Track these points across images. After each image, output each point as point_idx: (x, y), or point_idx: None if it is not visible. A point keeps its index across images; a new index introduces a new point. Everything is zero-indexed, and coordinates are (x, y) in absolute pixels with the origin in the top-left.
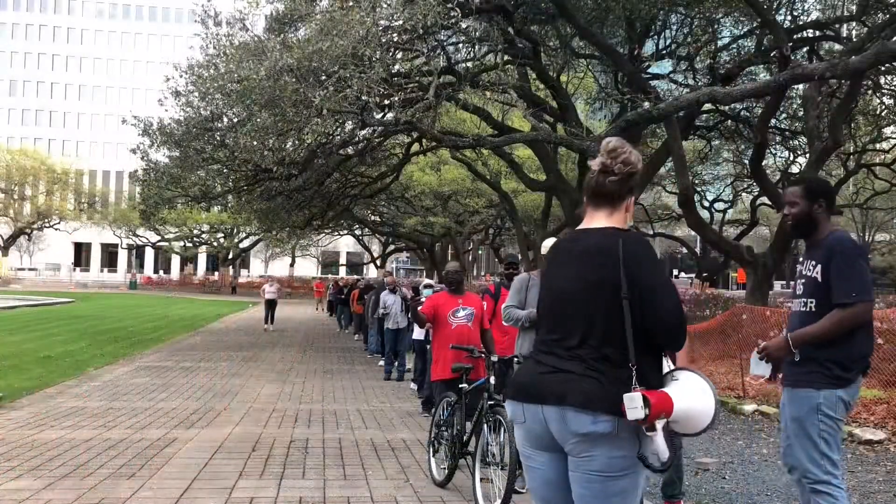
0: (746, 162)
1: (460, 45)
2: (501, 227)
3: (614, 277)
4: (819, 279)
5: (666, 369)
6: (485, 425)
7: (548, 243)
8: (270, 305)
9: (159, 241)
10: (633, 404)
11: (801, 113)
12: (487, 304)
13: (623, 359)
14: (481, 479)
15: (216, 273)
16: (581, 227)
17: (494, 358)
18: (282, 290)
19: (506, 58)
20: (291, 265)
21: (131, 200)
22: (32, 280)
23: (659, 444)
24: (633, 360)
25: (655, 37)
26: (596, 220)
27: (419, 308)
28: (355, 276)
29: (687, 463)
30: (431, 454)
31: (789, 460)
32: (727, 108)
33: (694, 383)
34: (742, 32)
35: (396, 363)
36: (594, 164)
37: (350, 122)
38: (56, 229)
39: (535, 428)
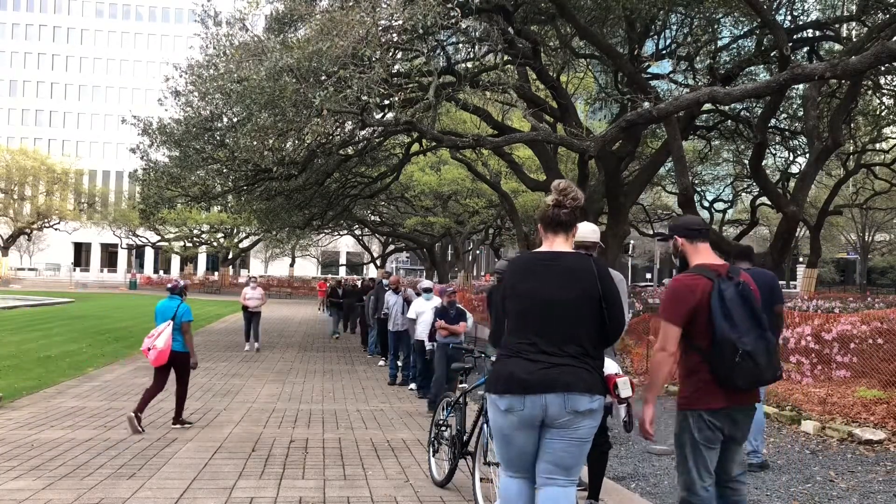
0: (746, 162)
1: (460, 45)
2: (501, 227)
3: (595, 290)
4: None
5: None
6: (485, 425)
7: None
8: (251, 317)
9: (159, 241)
10: (626, 386)
11: (801, 113)
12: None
13: (595, 352)
14: (481, 479)
15: (216, 273)
16: (544, 249)
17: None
18: (265, 297)
19: (506, 58)
20: (291, 265)
21: (131, 200)
22: (32, 280)
23: (623, 409)
24: (596, 353)
25: (655, 37)
26: (556, 244)
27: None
28: (355, 276)
29: None
30: (431, 454)
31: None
32: (727, 108)
33: (615, 365)
34: (742, 32)
35: (401, 367)
36: (549, 199)
37: (350, 122)
38: (56, 229)
39: (533, 413)
